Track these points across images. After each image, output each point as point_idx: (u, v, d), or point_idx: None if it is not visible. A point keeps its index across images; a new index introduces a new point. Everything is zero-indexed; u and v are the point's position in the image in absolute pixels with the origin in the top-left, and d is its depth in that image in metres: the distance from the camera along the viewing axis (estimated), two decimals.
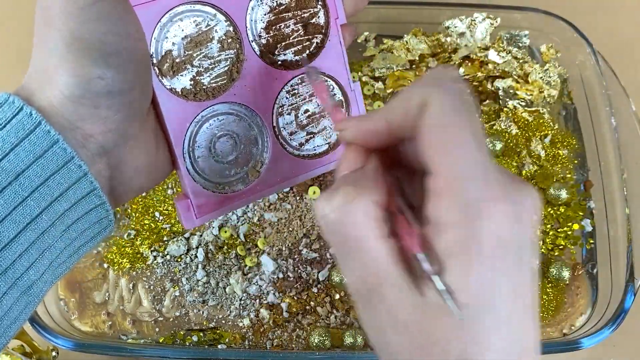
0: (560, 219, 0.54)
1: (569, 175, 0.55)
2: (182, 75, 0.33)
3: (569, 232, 0.53)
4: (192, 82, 0.33)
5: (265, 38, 0.35)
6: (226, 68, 0.34)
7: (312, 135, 0.38)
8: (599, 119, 0.56)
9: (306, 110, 0.37)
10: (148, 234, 0.53)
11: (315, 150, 0.38)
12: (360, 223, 0.24)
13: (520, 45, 0.58)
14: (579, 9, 0.63)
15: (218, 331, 0.51)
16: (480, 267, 0.22)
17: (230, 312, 0.51)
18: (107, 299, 0.52)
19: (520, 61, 0.57)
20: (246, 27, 0.34)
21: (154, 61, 0.32)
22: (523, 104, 0.56)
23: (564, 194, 0.53)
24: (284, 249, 0.53)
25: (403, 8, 0.60)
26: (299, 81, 0.36)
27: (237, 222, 0.54)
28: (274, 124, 0.36)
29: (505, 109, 0.56)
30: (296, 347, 0.50)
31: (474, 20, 0.58)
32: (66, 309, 0.52)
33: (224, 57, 0.34)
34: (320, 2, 0.36)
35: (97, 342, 0.49)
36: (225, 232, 0.53)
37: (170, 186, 0.55)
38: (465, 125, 0.23)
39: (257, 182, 0.37)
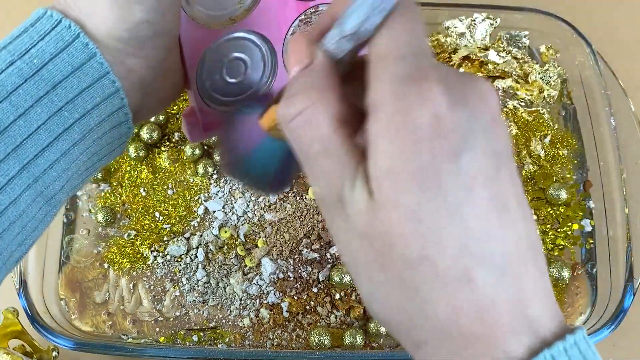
0: (560, 219, 0.54)
1: (568, 176, 0.55)
2: (201, 1, 0.34)
3: (569, 232, 0.53)
4: (210, 8, 0.34)
5: None
6: None
7: None
8: (598, 119, 0.56)
9: None
10: (148, 234, 0.53)
11: None
12: (324, 125, 0.23)
13: (520, 45, 0.58)
14: (579, 10, 0.63)
15: (218, 331, 0.51)
16: (413, 149, 0.21)
17: (230, 312, 0.51)
18: (107, 298, 0.52)
19: (520, 61, 0.57)
20: None
21: None
22: (523, 104, 0.56)
23: (563, 194, 0.53)
24: (284, 249, 0.53)
25: None
26: (313, 10, 0.37)
27: (237, 222, 0.54)
28: (283, 52, 0.37)
29: (505, 109, 0.56)
30: (296, 347, 0.50)
31: (474, 20, 0.58)
32: (67, 308, 0.52)
33: None
34: None
35: (97, 342, 0.49)
36: (226, 232, 0.53)
37: (170, 187, 0.55)
38: (409, 12, 0.23)
39: (262, 92, 0.38)
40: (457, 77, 0.22)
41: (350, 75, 0.26)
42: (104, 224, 0.54)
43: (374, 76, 0.22)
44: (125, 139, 0.32)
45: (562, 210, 0.54)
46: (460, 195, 0.21)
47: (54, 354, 0.49)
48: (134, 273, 0.53)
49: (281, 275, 0.52)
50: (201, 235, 0.53)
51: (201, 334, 0.51)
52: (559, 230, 0.53)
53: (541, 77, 0.57)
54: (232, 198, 0.55)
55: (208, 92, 0.36)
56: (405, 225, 0.21)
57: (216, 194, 0.55)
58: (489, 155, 0.22)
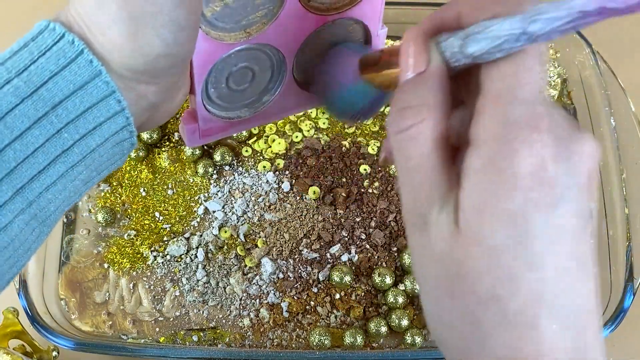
0: None
1: None
2: (217, 13, 0.32)
3: None
4: (226, 21, 0.33)
5: None
6: (264, 7, 0.33)
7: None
8: (598, 119, 0.56)
9: (328, 53, 0.37)
10: (148, 234, 0.53)
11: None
12: (423, 146, 0.23)
13: None
14: None
15: (218, 331, 0.51)
16: (510, 192, 0.21)
17: (230, 312, 0.51)
18: (107, 298, 0.52)
19: None
20: None
21: None
22: None
23: None
24: (284, 249, 0.53)
25: (403, 8, 0.60)
26: (331, 23, 0.36)
27: (237, 222, 0.54)
28: (293, 62, 0.36)
29: None
30: (296, 347, 0.50)
31: None
32: (67, 308, 0.52)
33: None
34: None
35: (97, 342, 0.49)
36: (225, 232, 0.53)
37: (170, 187, 0.55)
38: (535, 55, 0.22)
39: (264, 110, 0.38)
40: (566, 129, 0.22)
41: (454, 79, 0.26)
42: (104, 224, 0.54)
43: (484, 110, 0.23)
44: (127, 152, 0.31)
45: None
46: (545, 245, 0.21)
47: (54, 354, 0.49)
48: (134, 273, 0.53)
49: (281, 275, 0.52)
50: (201, 235, 0.53)
51: (201, 334, 0.51)
52: None
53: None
54: (232, 198, 0.55)
55: (212, 100, 0.36)
56: (483, 262, 0.22)
57: (216, 194, 0.55)
58: (580, 213, 0.22)
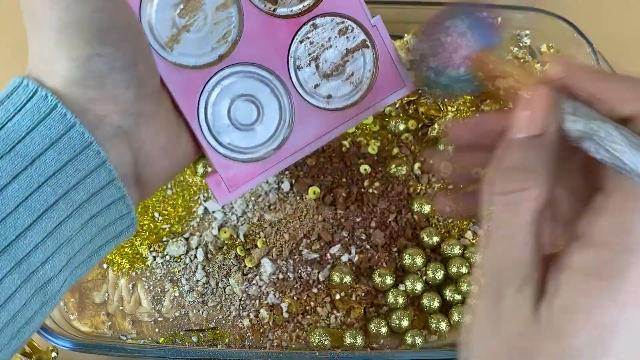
0: None
1: None
2: (181, 46, 0.32)
3: None
4: (193, 51, 0.32)
5: None
6: (227, 29, 0.33)
7: (339, 84, 0.35)
8: None
9: (327, 59, 0.35)
10: (147, 234, 0.53)
11: (346, 100, 0.35)
12: (522, 215, 0.23)
13: (521, 45, 0.58)
14: (580, 9, 0.63)
15: (218, 331, 0.51)
16: (613, 301, 0.21)
17: (230, 312, 0.51)
18: (106, 299, 0.52)
19: (521, 61, 0.57)
20: None
21: (150, 35, 0.32)
22: None
23: None
24: (284, 249, 0.52)
25: (403, 8, 0.60)
26: (311, 28, 0.34)
27: (237, 223, 0.53)
28: (293, 80, 0.34)
29: (506, 109, 0.56)
30: (296, 348, 0.50)
31: None
32: (66, 309, 0.52)
33: (223, 18, 0.32)
34: None
35: (96, 343, 0.49)
36: (225, 232, 0.53)
37: (169, 186, 0.55)
38: None
39: (288, 145, 0.35)
40: None
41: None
42: None
43: (608, 211, 0.22)
44: (129, 221, 0.29)
45: None
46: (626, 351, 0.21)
47: (53, 354, 0.49)
48: (133, 273, 0.52)
49: (281, 276, 0.52)
50: (200, 236, 0.53)
51: (201, 334, 0.51)
52: None
53: None
54: None
55: (223, 143, 0.34)
56: (554, 357, 0.21)
57: None
58: None
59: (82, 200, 0.27)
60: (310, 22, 0.34)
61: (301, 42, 0.34)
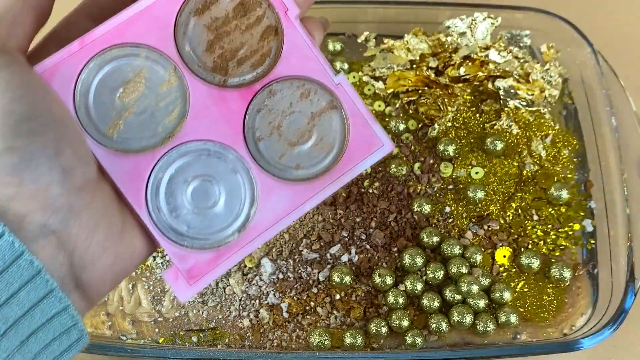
0: (561, 219, 0.54)
1: (569, 176, 0.55)
2: (123, 130, 0.30)
3: (570, 233, 0.53)
4: (137, 134, 0.30)
5: (211, 61, 0.31)
6: (173, 107, 0.31)
7: (307, 151, 0.32)
8: (599, 118, 0.56)
9: (290, 126, 0.32)
10: None
11: (316, 168, 0.32)
12: None
13: (521, 45, 0.58)
14: (580, 9, 0.63)
15: (218, 332, 0.51)
16: None
17: (230, 312, 0.51)
18: (106, 299, 0.52)
19: (521, 61, 0.57)
20: (182, 57, 0.31)
21: (88, 121, 0.30)
22: (524, 103, 0.56)
23: (564, 194, 0.53)
24: (284, 249, 0.52)
25: (403, 8, 0.60)
26: (268, 95, 0.32)
27: None
28: (253, 153, 0.31)
29: (506, 109, 0.56)
30: (296, 348, 0.50)
31: (475, 20, 0.58)
32: None
33: (167, 95, 0.31)
34: (263, 2, 0.31)
35: (96, 343, 0.49)
36: None
37: None
38: None
39: (253, 225, 0.31)
40: None
41: None
42: None
43: None
44: (77, 334, 0.26)
45: (564, 210, 0.54)
46: None
47: None
48: (133, 273, 0.52)
49: (281, 276, 0.52)
50: None
51: (201, 334, 0.51)
52: (560, 230, 0.53)
53: (542, 77, 0.57)
54: None
55: (175, 230, 0.30)
56: None
57: None
58: None
59: (18, 316, 0.24)
60: (267, 89, 0.31)
61: (259, 111, 0.31)
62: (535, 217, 0.54)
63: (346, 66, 0.59)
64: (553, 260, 0.52)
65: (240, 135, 0.31)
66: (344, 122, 0.32)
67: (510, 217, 0.53)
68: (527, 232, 0.53)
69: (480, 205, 0.53)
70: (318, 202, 0.32)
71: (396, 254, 0.52)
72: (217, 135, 0.31)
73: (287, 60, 0.32)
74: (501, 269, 0.52)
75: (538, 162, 0.55)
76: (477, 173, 0.54)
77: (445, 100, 0.56)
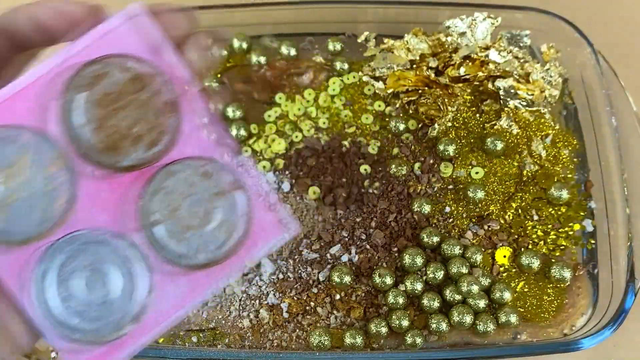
0: (562, 219, 0.54)
1: (569, 176, 0.55)
2: (2, 220, 0.27)
3: (570, 233, 0.53)
4: (18, 225, 0.28)
5: (101, 141, 0.28)
6: (58, 194, 0.28)
7: (208, 235, 0.29)
8: (599, 118, 0.55)
9: (190, 208, 0.29)
10: None
11: (217, 252, 0.29)
12: None
13: (521, 45, 0.58)
14: (580, 9, 0.63)
15: (217, 332, 0.51)
16: None
17: (229, 312, 0.51)
18: None
19: (521, 61, 0.57)
20: (70, 138, 0.28)
21: None
22: (524, 103, 0.56)
23: (565, 194, 0.53)
24: (284, 249, 0.52)
25: (403, 8, 0.60)
26: (166, 176, 0.29)
27: None
28: (150, 238, 0.29)
29: (506, 109, 0.56)
30: (296, 348, 0.50)
31: (475, 19, 0.58)
32: None
33: (51, 181, 0.28)
34: (159, 76, 0.29)
35: None
36: None
37: None
38: None
39: (150, 316, 0.29)
40: None
41: None
42: None
43: None
44: None
45: (564, 210, 0.54)
46: None
47: (53, 354, 0.49)
48: None
49: (281, 276, 0.52)
50: None
51: (200, 334, 0.51)
52: (560, 230, 0.53)
53: (542, 77, 0.56)
54: None
55: (64, 324, 0.28)
56: None
57: None
58: None
59: None
60: (165, 170, 0.29)
61: (155, 193, 0.29)
62: (536, 217, 0.53)
63: (346, 66, 0.59)
64: (553, 260, 0.52)
65: (134, 221, 0.29)
66: (248, 204, 0.30)
67: (511, 217, 0.53)
68: (527, 232, 0.53)
69: (480, 205, 0.53)
70: (220, 288, 0.30)
71: (396, 254, 0.52)
72: (109, 222, 0.29)
73: (188, 138, 0.30)
74: (501, 269, 0.52)
75: (538, 162, 0.55)
76: (477, 173, 0.54)
77: (445, 100, 0.56)
